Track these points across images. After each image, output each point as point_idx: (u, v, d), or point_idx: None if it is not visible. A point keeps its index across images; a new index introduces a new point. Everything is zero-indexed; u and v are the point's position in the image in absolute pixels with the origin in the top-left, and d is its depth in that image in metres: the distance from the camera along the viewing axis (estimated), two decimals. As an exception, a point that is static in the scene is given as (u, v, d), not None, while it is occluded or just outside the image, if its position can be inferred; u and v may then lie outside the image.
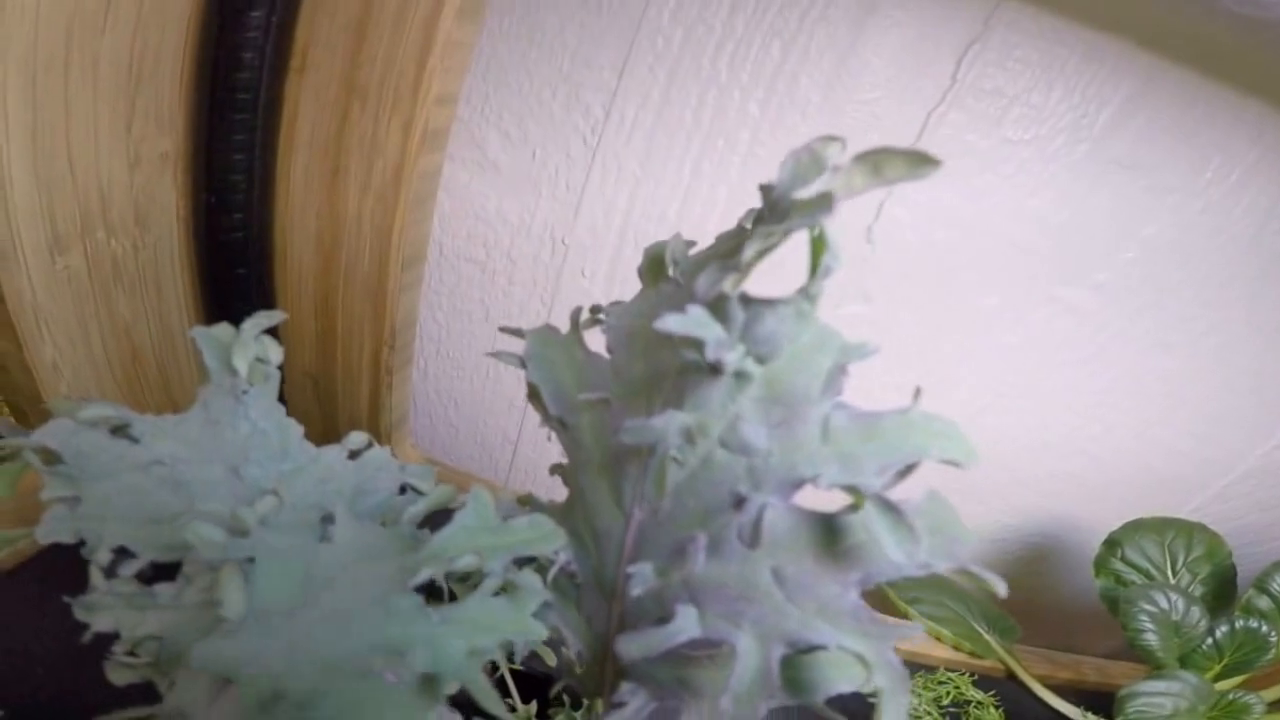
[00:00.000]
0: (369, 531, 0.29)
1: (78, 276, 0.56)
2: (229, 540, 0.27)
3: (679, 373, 0.25)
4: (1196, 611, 0.62)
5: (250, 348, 0.35)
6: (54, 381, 0.58)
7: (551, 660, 0.41)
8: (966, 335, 0.72)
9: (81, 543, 0.33)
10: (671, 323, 0.22)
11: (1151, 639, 0.61)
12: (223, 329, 0.37)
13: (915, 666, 0.65)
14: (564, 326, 0.33)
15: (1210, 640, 0.62)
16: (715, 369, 0.24)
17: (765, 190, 0.25)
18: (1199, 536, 0.69)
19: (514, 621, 0.24)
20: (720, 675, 0.24)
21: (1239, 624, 0.62)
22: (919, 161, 0.22)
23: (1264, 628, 0.62)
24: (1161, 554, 0.69)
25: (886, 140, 0.62)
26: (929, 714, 0.59)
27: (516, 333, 0.32)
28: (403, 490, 0.38)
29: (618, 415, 0.27)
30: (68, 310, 0.56)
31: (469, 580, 0.28)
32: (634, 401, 0.27)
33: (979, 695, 0.63)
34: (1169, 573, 0.68)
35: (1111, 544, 0.72)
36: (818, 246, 0.24)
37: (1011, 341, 0.72)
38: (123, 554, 0.33)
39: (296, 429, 0.37)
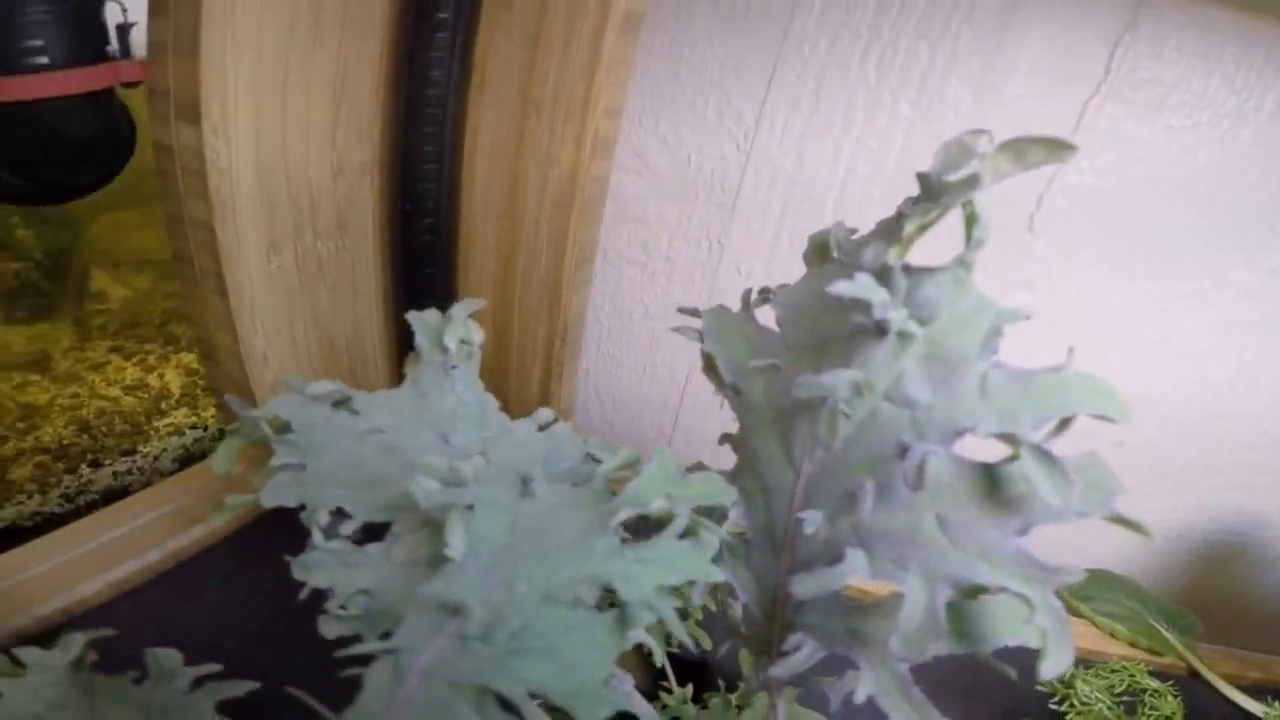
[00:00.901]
0: (564, 489, 0.34)
1: (288, 275, 0.64)
2: (446, 492, 0.32)
3: (847, 337, 0.29)
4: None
5: (459, 329, 0.41)
6: (262, 372, 0.66)
7: (706, 644, 0.44)
8: (1137, 323, 0.71)
9: (301, 507, 0.39)
10: (843, 287, 0.26)
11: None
12: (432, 314, 0.43)
13: (1089, 664, 0.64)
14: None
15: None
16: (881, 330, 0.27)
17: (922, 177, 0.28)
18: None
19: (696, 564, 0.28)
20: (887, 624, 0.27)
21: None
22: (1057, 148, 0.25)
23: None
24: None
25: (1054, 121, 0.65)
26: (1101, 700, 0.59)
27: (693, 312, 0.36)
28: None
29: (787, 379, 0.31)
30: (278, 306, 0.64)
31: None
32: (802, 366, 0.30)
33: (1155, 684, 0.61)
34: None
35: None
36: (970, 221, 0.27)
37: (1185, 327, 0.71)
38: (338, 516, 0.39)
39: (493, 402, 0.43)
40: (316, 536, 0.38)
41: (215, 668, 0.35)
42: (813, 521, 0.28)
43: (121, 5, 0.65)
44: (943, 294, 0.27)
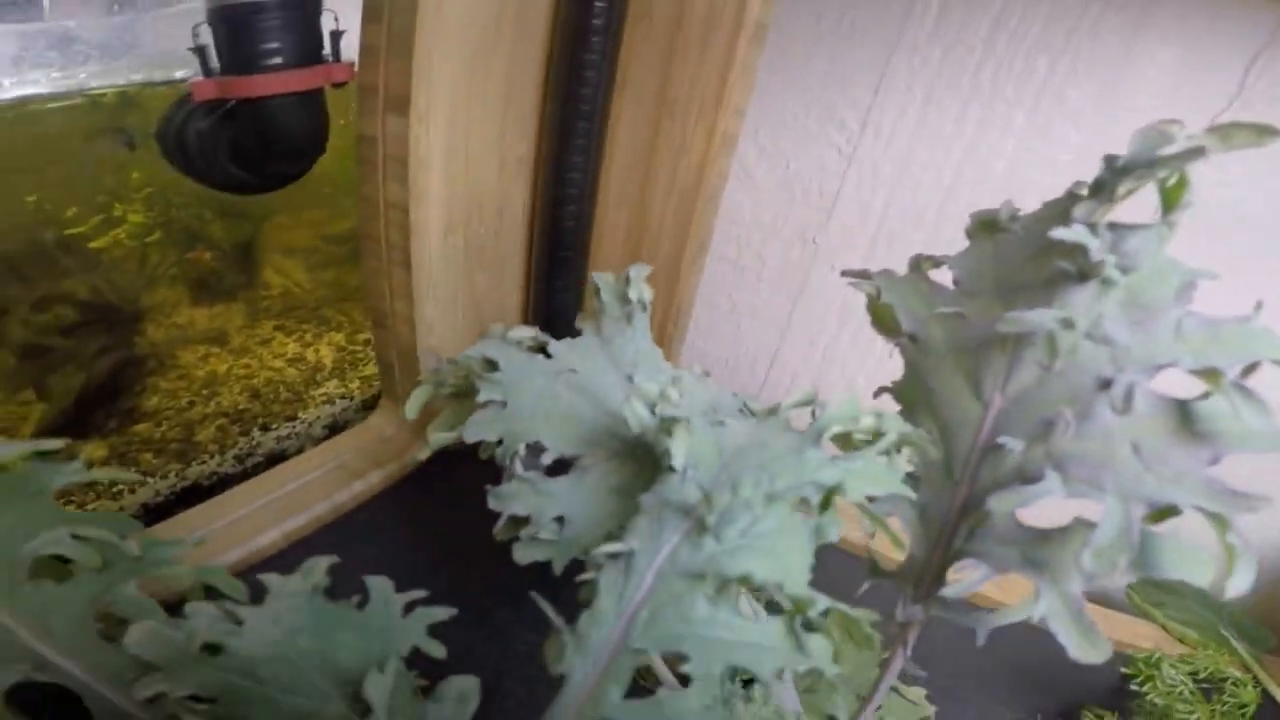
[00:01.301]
0: (748, 420, 0.33)
1: (457, 254, 0.65)
2: (663, 410, 0.32)
3: (1043, 284, 0.28)
4: None
5: (638, 287, 0.41)
6: (426, 336, 0.67)
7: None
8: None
9: (498, 442, 0.40)
10: (1063, 233, 0.25)
11: None
12: (610, 275, 0.43)
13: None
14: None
15: None
16: (1083, 275, 0.26)
17: (1110, 159, 0.28)
18: None
19: (891, 479, 0.27)
20: (1068, 549, 0.26)
21: None
22: (1263, 131, 0.24)
23: None
24: None
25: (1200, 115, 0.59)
26: (1184, 684, 0.56)
27: (861, 273, 0.36)
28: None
29: (971, 324, 0.30)
30: (447, 280, 0.66)
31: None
32: (989, 311, 0.30)
33: (1238, 674, 0.58)
34: None
35: None
36: (1178, 187, 0.26)
37: None
38: (532, 451, 0.40)
39: (659, 352, 0.43)
40: (516, 467, 0.38)
41: (422, 593, 0.35)
42: (1013, 446, 0.27)
43: (335, 15, 0.67)
44: (1146, 247, 0.26)
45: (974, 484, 0.30)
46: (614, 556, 0.27)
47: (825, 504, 0.27)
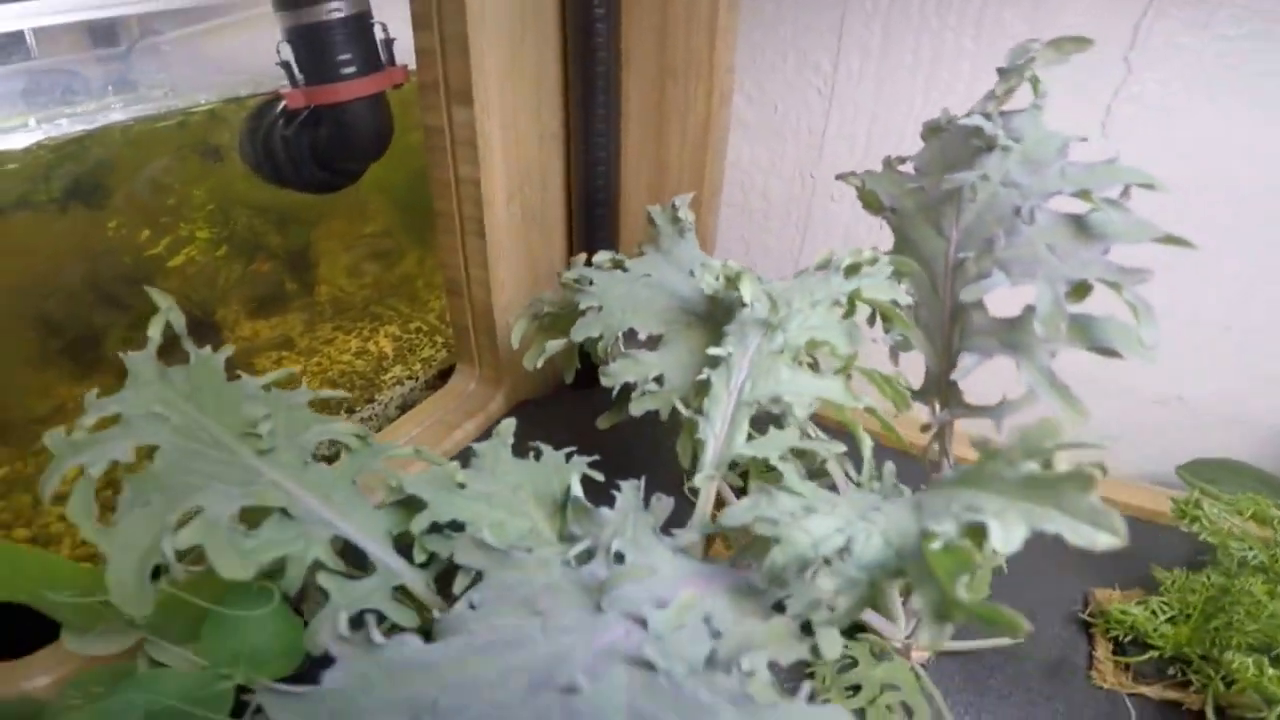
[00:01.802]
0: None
1: (516, 220, 0.79)
2: (719, 281, 0.46)
3: (969, 157, 0.42)
4: None
5: (686, 210, 0.56)
6: (499, 295, 0.82)
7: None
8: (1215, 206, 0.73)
9: (600, 337, 0.54)
10: (968, 120, 0.40)
11: None
12: (658, 206, 0.58)
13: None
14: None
15: None
16: (990, 147, 0.41)
17: (1001, 70, 0.42)
18: None
19: (892, 288, 0.42)
20: (1028, 328, 0.41)
21: None
22: (1080, 42, 0.38)
23: None
24: None
25: (1106, 36, 0.70)
26: (1229, 519, 0.60)
27: (850, 174, 0.51)
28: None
29: (929, 192, 0.45)
30: (512, 243, 0.80)
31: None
32: (938, 183, 0.44)
33: None
34: None
35: None
36: (1035, 83, 0.40)
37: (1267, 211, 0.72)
38: (627, 338, 0.54)
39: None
40: (615, 350, 0.53)
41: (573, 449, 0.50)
42: (967, 255, 0.42)
43: (384, 25, 0.79)
44: (1025, 123, 0.41)
45: (953, 296, 0.44)
46: (716, 360, 0.42)
47: (850, 305, 0.41)
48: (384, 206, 1.37)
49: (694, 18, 0.77)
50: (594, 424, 0.58)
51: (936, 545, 0.25)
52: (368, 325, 1.34)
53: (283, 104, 0.85)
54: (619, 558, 0.35)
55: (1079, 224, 0.40)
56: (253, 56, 1.28)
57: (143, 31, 1.25)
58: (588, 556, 0.37)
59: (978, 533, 0.26)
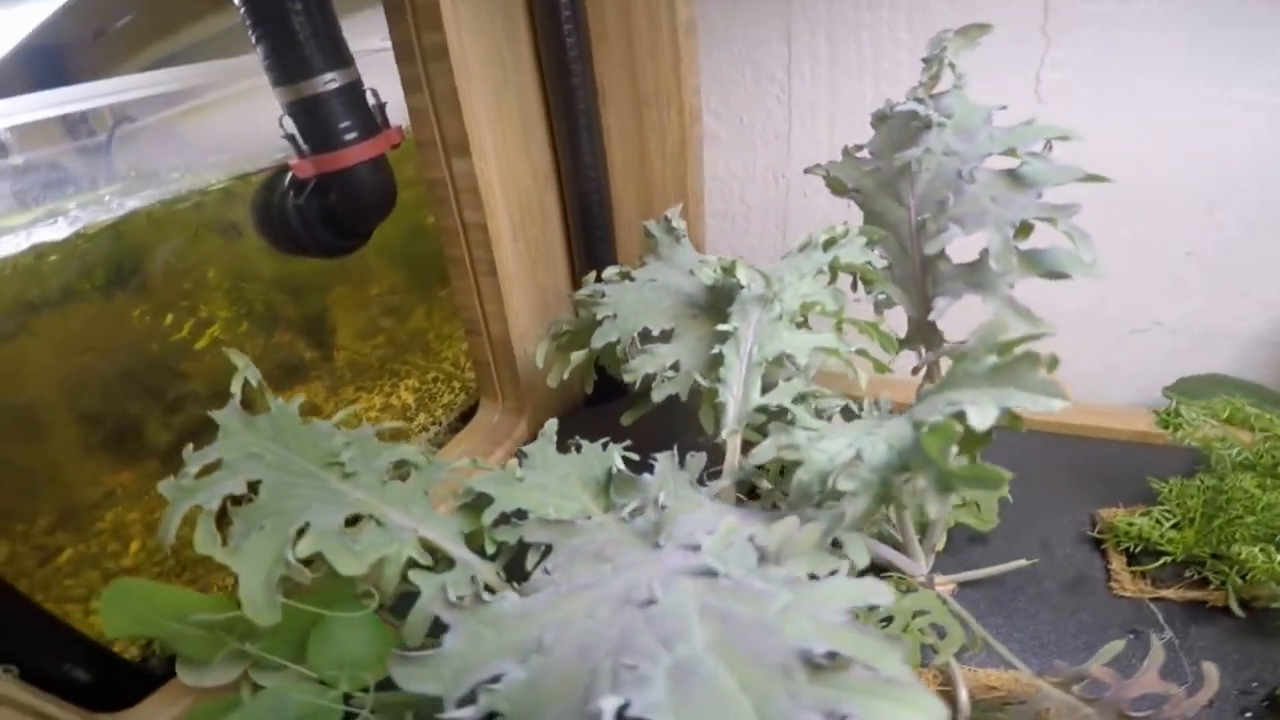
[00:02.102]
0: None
1: (522, 255, 0.87)
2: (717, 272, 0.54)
3: (912, 136, 0.50)
4: None
5: (679, 219, 0.63)
6: (515, 326, 0.89)
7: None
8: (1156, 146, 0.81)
9: (617, 341, 0.61)
10: (904, 106, 0.47)
11: None
12: (653, 221, 0.65)
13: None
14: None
15: None
16: (927, 125, 0.48)
17: (924, 59, 0.50)
18: None
19: (866, 252, 0.50)
20: (985, 267, 0.48)
21: None
22: (983, 27, 0.46)
23: None
24: None
25: (1018, 20, 0.78)
26: (1206, 420, 0.66)
27: (816, 167, 0.58)
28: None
29: (885, 171, 0.52)
30: (521, 276, 0.88)
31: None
32: (890, 162, 0.52)
33: (1257, 411, 0.66)
34: None
35: None
36: (953, 67, 0.48)
37: (1204, 143, 0.79)
38: (641, 337, 0.61)
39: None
40: (633, 348, 0.60)
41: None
42: (924, 215, 0.50)
43: (374, 90, 0.84)
44: (954, 102, 0.49)
45: (920, 252, 0.52)
46: (725, 335, 0.49)
47: (834, 272, 0.49)
48: (386, 266, 1.45)
49: (658, 48, 0.86)
50: (613, 432, 0.63)
51: (926, 430, 0.32)
52: (388, 382, 1.41)
53: (290, 175, 0.90)
54: (665, 508, 0.42)
55: (1013, 176, 0.47)
56: (233, 134, 1.36)
57: (117, 120, 1.30)
58: (638, 514, 0.43)
59: (961, 420, 0.32)
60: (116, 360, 1.07)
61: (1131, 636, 0.60)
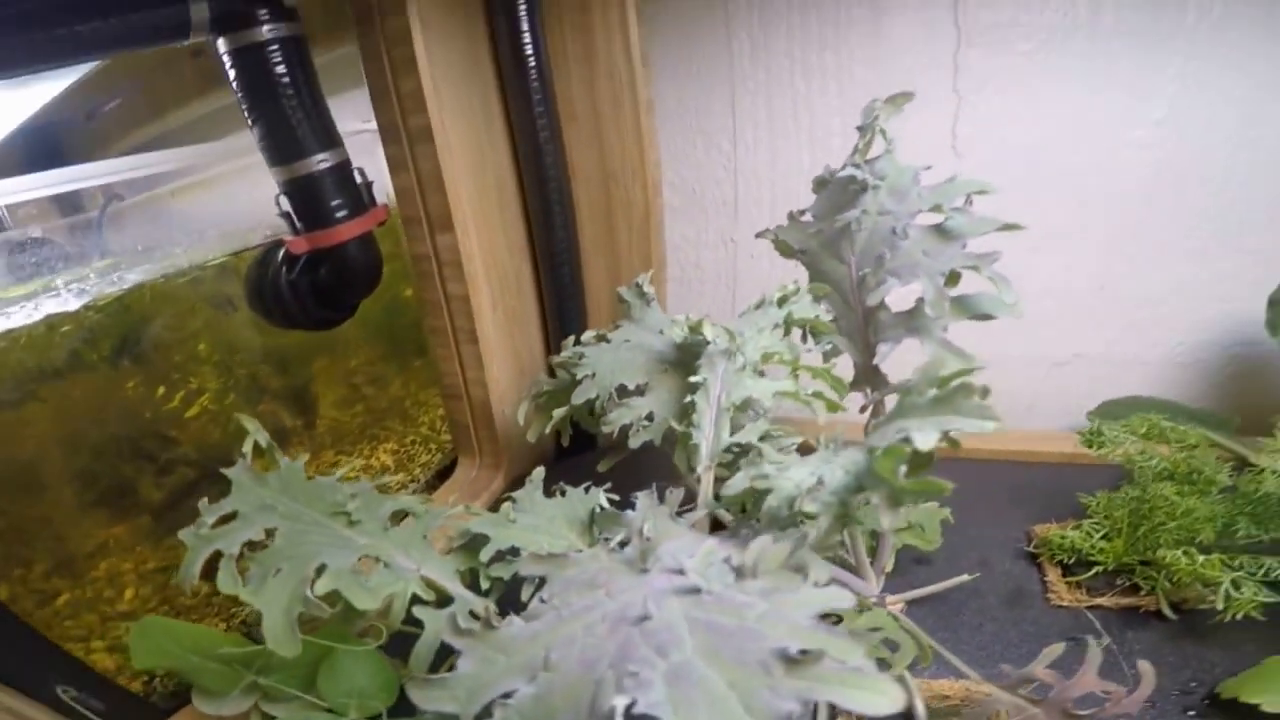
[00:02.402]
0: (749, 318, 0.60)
1: (501, 323, 0.91)
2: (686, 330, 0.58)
3: (850, 199, 0.55)
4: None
5: (648, 285, 0.68)
6: (495, 390, 0.93)
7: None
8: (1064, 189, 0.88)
9: (596, 397, 0.65)
10: (844, 171, 0.53)
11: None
12: (625, 287, 0.70)
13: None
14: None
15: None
16: (864, 187, 0.53)
17: (859, 128, 0.55)
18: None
19: (814, 308, 0.54)
20: (921, 314, 0.53)
21: None
22: (907, 95, 0.51)
23: None
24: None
25: (932, 81, 0.85)
26: (1127, 436, 0.71)
27: (766, 232, 0.63)
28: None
29: (828, 232, 0.57)
30: (500, 344, 0.91)
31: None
32: (832, 223, 0.57)
33: (1171, 424, 0.71)
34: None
35: (1273, 304, 0.78)
36: (884, 133, 0.54)
37: (1106, 183, 0.86)
38: (618, 392, 0.65)
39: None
40: (613, 401, 0.63)
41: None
42: (865, 270, 0.55)
43: (361, 170, 0.86)
44: (886, 165, 0.54)
45: (863, 304, 0.56)
46: (695, 385, 0.53)
47: (788, 326, 0.53)
48: (366, 338, 1.47)
49: (622, 127, 0.91)
50: (588, 480, 0.65)
51: (879, 454, 0.36)
52: (368, 445, 1.42)
53: (283, 252, 0.93)
54: (649, 539, 0.45)
55: (940, 230, 0.52)
56: (217, 212, 1.39)
57: (107, 198, 1.31)
58: (624, 545, 0.46)
59: (908, 443, 0.36)
60: (113, 425, 1.09)
61: (1071, 643, 0.63)
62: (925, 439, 0.35)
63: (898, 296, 0.54)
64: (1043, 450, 0.86)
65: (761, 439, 0.51)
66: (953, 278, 0.52)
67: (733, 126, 0.99)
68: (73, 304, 1.01)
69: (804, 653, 0.31)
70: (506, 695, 0.37)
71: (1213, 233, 0.85)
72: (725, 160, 1.02)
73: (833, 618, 0.60)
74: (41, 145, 1.56)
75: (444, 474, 1.04)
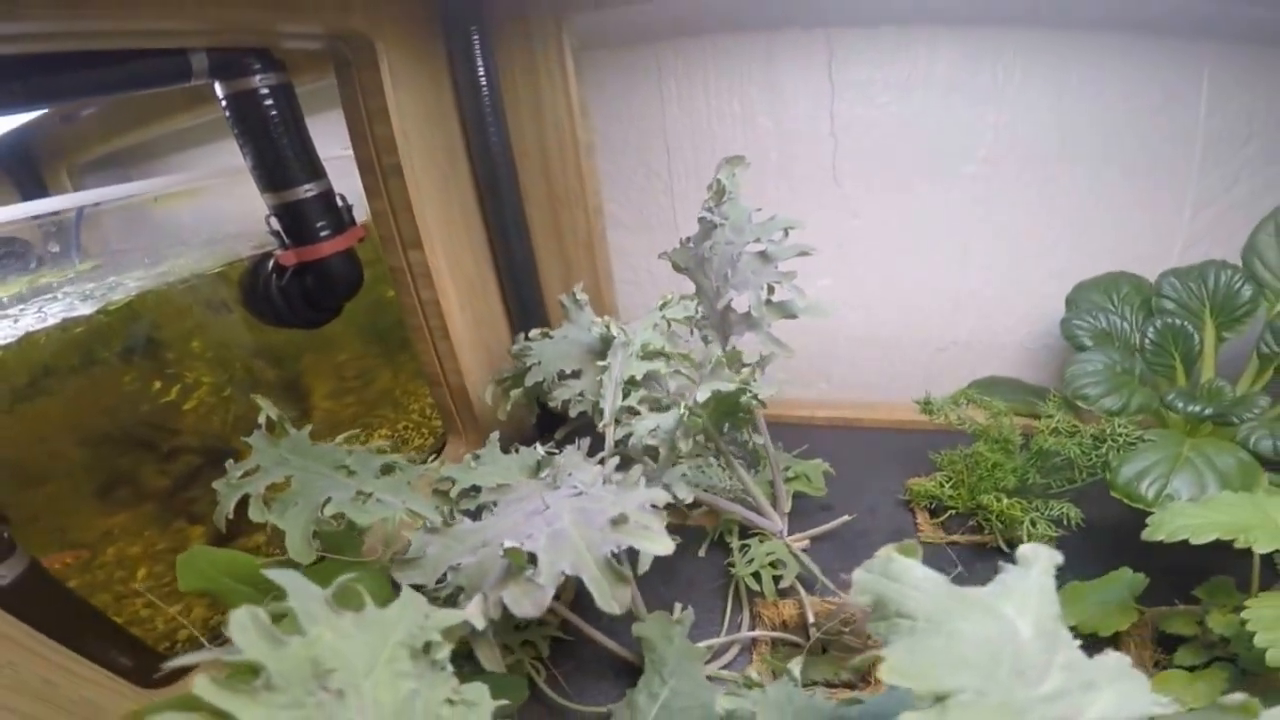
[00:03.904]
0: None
1: (469, 323, 1.17)
2: (605, 328, 0.85)
3: (709, 233, 0.82)
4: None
5: (580, 295, 0.94)
6: (469, 378, 1.18)
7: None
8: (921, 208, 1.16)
9: (542, 380, 0.91)
10: (702, 216, 0.79)
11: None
12: (565, 295, 0.96)
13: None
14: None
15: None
16: (715, 225, 0.80)
17: (715, 180, 0.81)
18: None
19: (688, 309, 0.81)
20: (753, 316, 0.79)
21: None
22: (739, 160, 0.78)
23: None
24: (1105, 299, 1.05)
25: (816, 122, 1.11)
26: (947, 410, 0.97)
27: (665, 255, 0.89)
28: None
29: (697, 255, 0.84)
30: (469, 338, 1.17)
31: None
32: (700, 249, 0.83)
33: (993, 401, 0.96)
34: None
35: (1069, 304, 1.06)
36: (724, 186, 0.80)
37: (951, 203, 1.14)
38: (559, 375, 0.91)
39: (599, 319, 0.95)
40: (555, 382, 0.89)
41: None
42: (716, 284, 0.81)
43: (343, 195, 1.06)
44: (730, 209, 0.80)
45: (718, 303, 0.83)
46: (603, 368, 0.80)
47: (667, 324, 0.79)
48: (351, 336, 1.71)
49: (566, 164, 1.17)
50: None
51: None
52: (364, 434, 1.65)
53: (273, 261, 1.12)
54: (567, 472, 0.71)
55: (763, 255, 0.78)
56: (202, 220, 1.65)
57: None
58: (553, 478, 0.72)
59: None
60: (122, 418, 1.27)
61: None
62: (701, 395, 0.61)
63: (742, 302, 0.81)
64: (921, 420, 1.09)
65: (641, 402, 0.77)
66: (770, 289, 0.78)
67: (667, 160, 1.25)
68: (86, 309, 1.18)
69: (623, 518, 0.57)
70: (456, 567, 0.63)
71: (1034, 247, 1.13)
72: (663, 186, 1.27)
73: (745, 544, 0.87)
74: (15, 144, 1.76)
75: (437, 455, 1.26)
